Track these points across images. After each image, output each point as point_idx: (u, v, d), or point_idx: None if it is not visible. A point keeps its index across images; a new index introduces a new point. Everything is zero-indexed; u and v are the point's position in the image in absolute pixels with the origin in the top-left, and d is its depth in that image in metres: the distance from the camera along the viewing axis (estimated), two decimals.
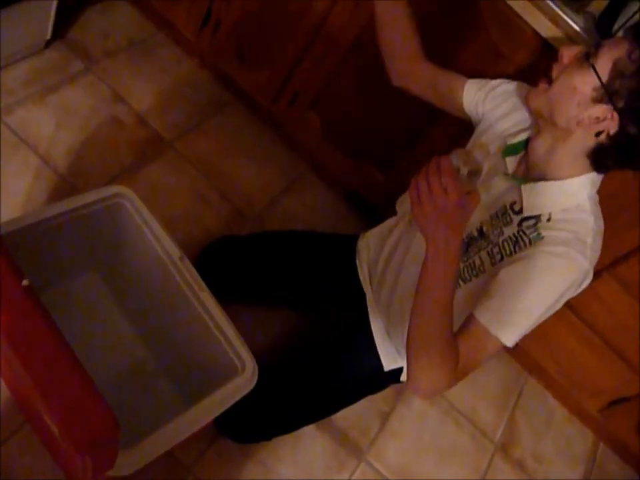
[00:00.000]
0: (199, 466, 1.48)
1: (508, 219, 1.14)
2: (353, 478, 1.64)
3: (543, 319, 1.08)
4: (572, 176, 1.09)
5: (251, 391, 1.23)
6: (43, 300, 0.99)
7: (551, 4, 1.36)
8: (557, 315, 1.74)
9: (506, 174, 1.17)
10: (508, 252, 1.11)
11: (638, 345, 1.69)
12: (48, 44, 1.91)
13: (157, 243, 1.33)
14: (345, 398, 1.50)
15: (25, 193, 1.65)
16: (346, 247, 1.56)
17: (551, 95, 1.08)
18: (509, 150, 1.20)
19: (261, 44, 1.88)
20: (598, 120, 1.02)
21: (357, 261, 1.52)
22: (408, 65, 1.39)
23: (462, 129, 1.64)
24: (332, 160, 1.95)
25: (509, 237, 1.12)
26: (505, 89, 1.30)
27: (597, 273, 1.60)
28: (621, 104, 1.00)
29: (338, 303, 1.56)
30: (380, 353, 1.42)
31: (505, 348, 1.07)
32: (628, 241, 1.55)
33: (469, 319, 1.07)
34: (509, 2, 1.40)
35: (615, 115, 1.00)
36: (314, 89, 1.84)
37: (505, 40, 1.46)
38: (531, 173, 1.14)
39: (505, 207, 1.15)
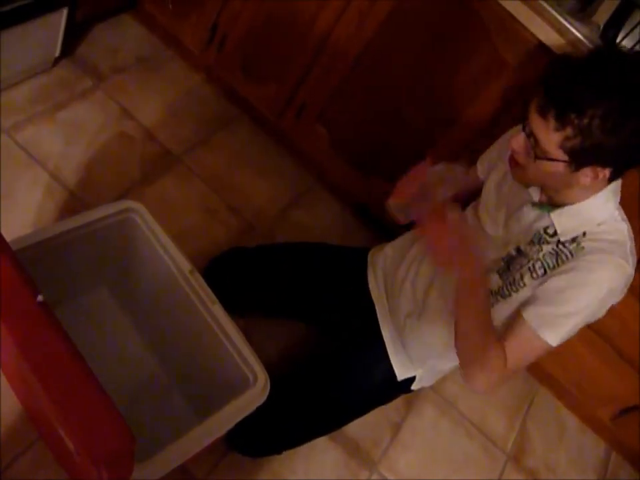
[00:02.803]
0: (212, 479, 1.48)
1: (544, 241, 1.17)
2: None
3: (586, 323, 1.15)
4: (594, 194, 1.11)
5: (261, 403, 1.23)
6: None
7: (556, 14, 1.37)
8: None
9: (533, 203, 1.20)
10: (551, 265, 1.15)
11: None
12: (57, 61, 1.93)
13: (168, 257, 1.34)
14: (355, 409, 1.50)
15: (35, 209, 1.66)
16: (356, 260, 1.56)
17: (534, 180, 1.14)
18: None
19: (267, 58, 1.90)
20: (592, 178, 1.05)
21: (369, 272, 1.52)
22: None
23: (469, 139, 1.65)
24: (340, 172, 1.96)
25: (549, 252, 1.15)
26: (501, 141, 1.37)
27: None
28: (596, 157, 1.02)
29: (348, 315, 1.56)
30: (393, 362, 1.42)
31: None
32: None
33: (518, 322, 1.15)
34: (514, 13, 1.42)
35: (600, 169, 1.03)
36: (320, 102, 1.85)
37: (510, 50, 1.47)
38: (554, 199, 1.16)
39: (539, 232, 1.18)
